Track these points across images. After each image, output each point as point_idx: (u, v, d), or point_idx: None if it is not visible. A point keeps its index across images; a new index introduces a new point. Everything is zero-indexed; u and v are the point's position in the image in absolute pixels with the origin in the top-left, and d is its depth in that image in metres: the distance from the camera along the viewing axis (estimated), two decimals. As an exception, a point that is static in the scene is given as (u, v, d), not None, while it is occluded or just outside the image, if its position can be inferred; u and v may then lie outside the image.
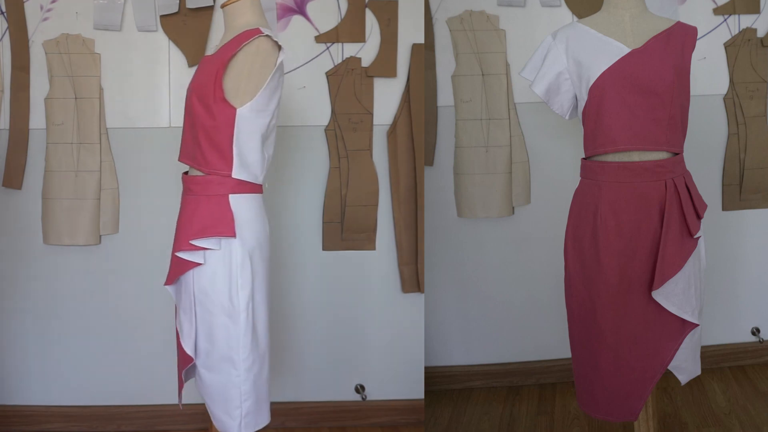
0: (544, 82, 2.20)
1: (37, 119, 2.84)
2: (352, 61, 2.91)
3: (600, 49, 2.11)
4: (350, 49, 2.91)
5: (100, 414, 2.98)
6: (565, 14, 3.01)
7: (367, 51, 2.92)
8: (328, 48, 2.92)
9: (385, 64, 2.92)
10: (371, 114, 2.94)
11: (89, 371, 2.96)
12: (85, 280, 2.92)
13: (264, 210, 2.19)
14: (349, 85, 2.92)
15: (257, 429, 2.18)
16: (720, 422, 2.76)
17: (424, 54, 2.96)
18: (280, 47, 2.08)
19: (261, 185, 2.17)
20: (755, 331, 3.22)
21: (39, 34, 2.80)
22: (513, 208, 3.12)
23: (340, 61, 2.91)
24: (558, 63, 2.18)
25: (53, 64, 2.80)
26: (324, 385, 3.08)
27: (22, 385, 2.96)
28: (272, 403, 2.34)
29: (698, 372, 2.25)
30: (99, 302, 2.93)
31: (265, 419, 2.20)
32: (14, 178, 2.85)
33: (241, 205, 2.10)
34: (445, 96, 3.09)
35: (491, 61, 3.03)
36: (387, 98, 2.95)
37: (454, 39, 3.04)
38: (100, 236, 2.90)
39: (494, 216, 3.10)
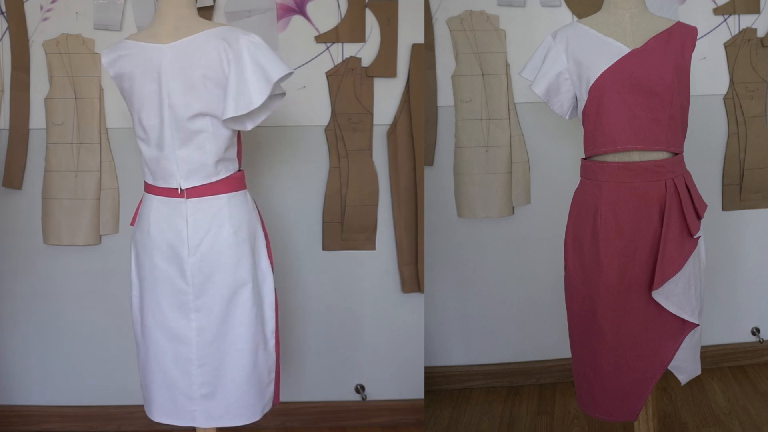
0: (544, 82, 2.20)
1: (37, 119, 2.84)
2: (352, 61, 2.91)
3: (600, 49, 2.11)
4: (350, 49, 2.91)
5: (100, 414, 2.98)
6: (565, 14, 3.01)
7: (367, 51, 2.92)
8: (328, 48, 2.91)
9: (385, 64, 2.92)
10: (371, 114, 2.94)
11: (89, 371, 2.97)
12: (85, 280, 2.92)
13: (163, 211, 2.15)
14: (349, 85, 2.92)
15: (149, 416, 2.27)
16: (720, 422, 2.76)
17: (424, 54, 2.95)
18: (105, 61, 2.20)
19: (164, 187, 2.15)
20: (755, 331, 3.22)
21: (39, 34, 2.80)
22: (513, 208, 3.12)
23: (340, 61, 2.91)
24: (558, 63, 2.18)
25: (53, 64, 2.80)
26: (324, 385, 3.07)
27: (21, 385, 2.96)
28: (272, 403, 2.34)
29: (698, 372, 2.25)
30: (99, 302, 2.93)
31: (150, 413, 2.26)
32: (14, 178, 2.85)
33: (144, 202, 2.24)
34: (445, 96, 3.08)
35: (491, 61, 3.03)
36: (387, 98, 2.95)
37: (454, 39, 3.04)
38: (100, 236, 2.90)
39: (494, 216, 3.10)
